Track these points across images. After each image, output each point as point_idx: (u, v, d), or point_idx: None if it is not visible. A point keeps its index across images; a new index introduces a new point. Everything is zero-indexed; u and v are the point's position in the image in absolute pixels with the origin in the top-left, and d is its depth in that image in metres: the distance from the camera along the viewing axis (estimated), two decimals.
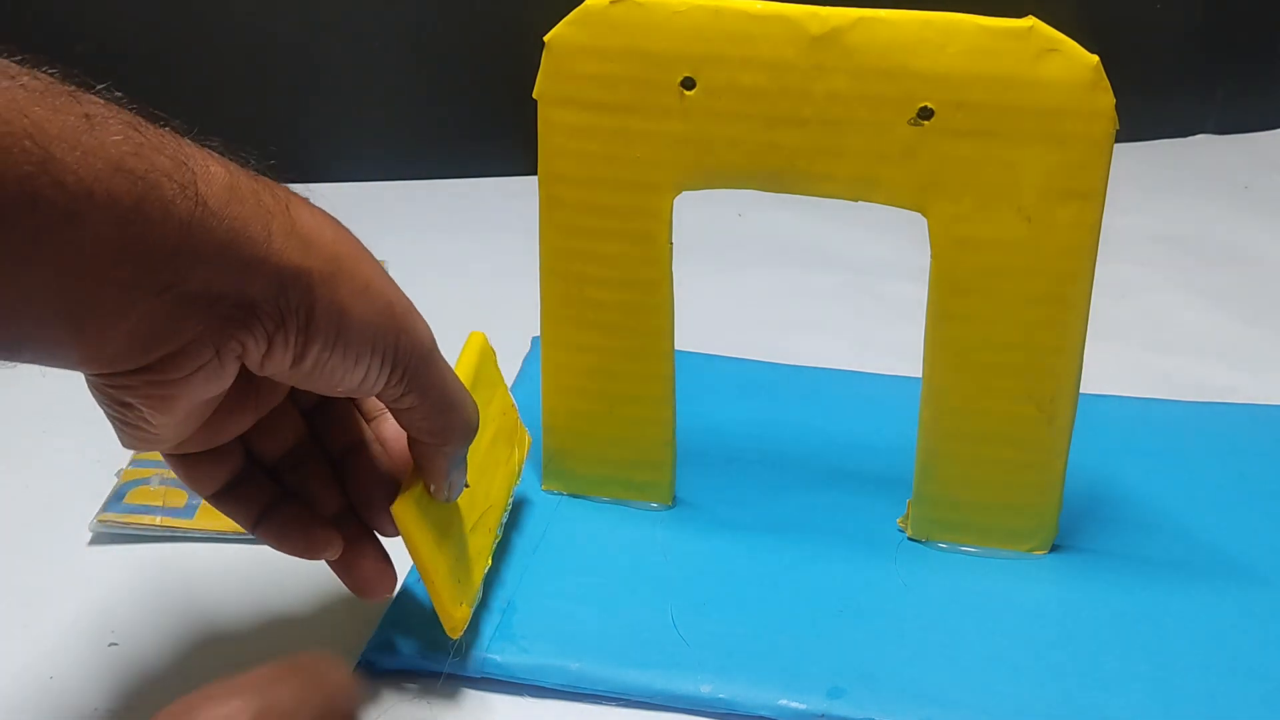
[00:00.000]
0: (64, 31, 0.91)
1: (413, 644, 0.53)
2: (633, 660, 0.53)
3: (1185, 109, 1.06)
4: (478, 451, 0.55)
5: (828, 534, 0.60)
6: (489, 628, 0.54)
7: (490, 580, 0.56)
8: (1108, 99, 0.50)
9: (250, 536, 0.52)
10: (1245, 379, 0.74)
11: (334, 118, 1.00)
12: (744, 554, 0.59)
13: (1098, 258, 0.53)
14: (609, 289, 0.58)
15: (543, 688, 0.52)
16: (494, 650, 0.53)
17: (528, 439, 0.62)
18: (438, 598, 0.51)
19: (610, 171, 0.56)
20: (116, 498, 0.62)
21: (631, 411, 0.61)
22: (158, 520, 0.61)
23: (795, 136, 0.53)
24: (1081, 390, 0.56)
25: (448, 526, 0.52)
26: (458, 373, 0.51)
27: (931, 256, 0.54)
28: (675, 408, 0.61)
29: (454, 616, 0.52)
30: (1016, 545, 0.59)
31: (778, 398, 0.71)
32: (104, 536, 0.61)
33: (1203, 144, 1.06)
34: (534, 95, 0.56)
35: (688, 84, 0.54)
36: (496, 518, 0.57)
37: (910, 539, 0.60)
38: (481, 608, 0.55)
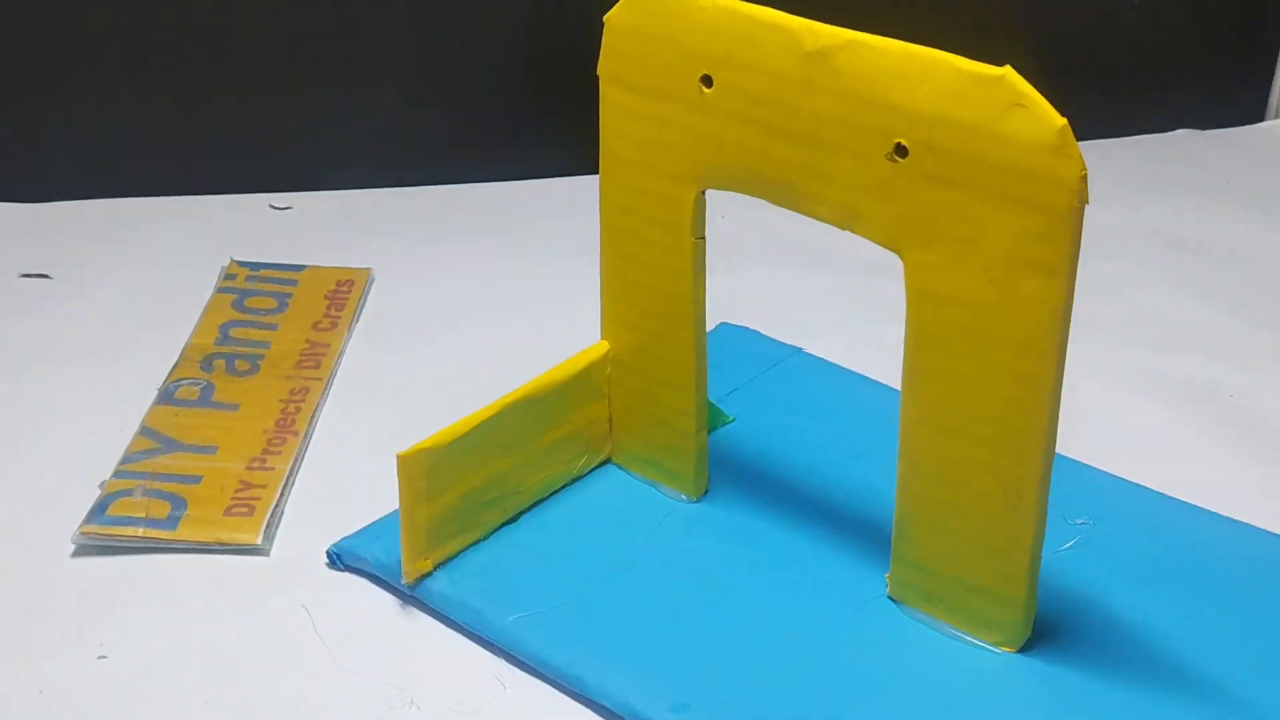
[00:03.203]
0: (63, 31, 0.91)
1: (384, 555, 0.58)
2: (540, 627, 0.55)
3: (1166, 105, 1.05)
4: (537, 441, 0.60)
5: (817, 573, 0.58)
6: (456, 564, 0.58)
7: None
8: (1073, 168, 0.45)
9: (234, 547, 0.59)
10: (1229, 372, 0.74)
11: (332, 123, 0.96)
12: (723, 568, 0.58)
13: (1078, 260, 0.47)
14: (645, 272, 0.59)
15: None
16: (438, 582, 0.57)
17: (608, 450, 0.64)
18: (404, 544, 0.56)
19: (647, 155, 0.56)
20: (99, 509, 0.61)
21: (662, 395, 0.61)
22: (141, 532, 0.60)
23: (790, 150, 0.52)
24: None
25: (450, 487, 0.57)
26: (561, 367, 0.60)
27: (906, 303, 0.51)
28: (702, 401, 0.60)
29: (410, 566, 0.57)
30: (985, 635, 0.54)
31: (846, 410, 0.69)
32: (87, 549, 0.60)
33: (1184, 140, 1.04)
34: (597, 72, 0.57)
35: (706, 81, 0.53)
36: (518, 504, 0.61)
37: (888, 597, 0.57)
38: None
